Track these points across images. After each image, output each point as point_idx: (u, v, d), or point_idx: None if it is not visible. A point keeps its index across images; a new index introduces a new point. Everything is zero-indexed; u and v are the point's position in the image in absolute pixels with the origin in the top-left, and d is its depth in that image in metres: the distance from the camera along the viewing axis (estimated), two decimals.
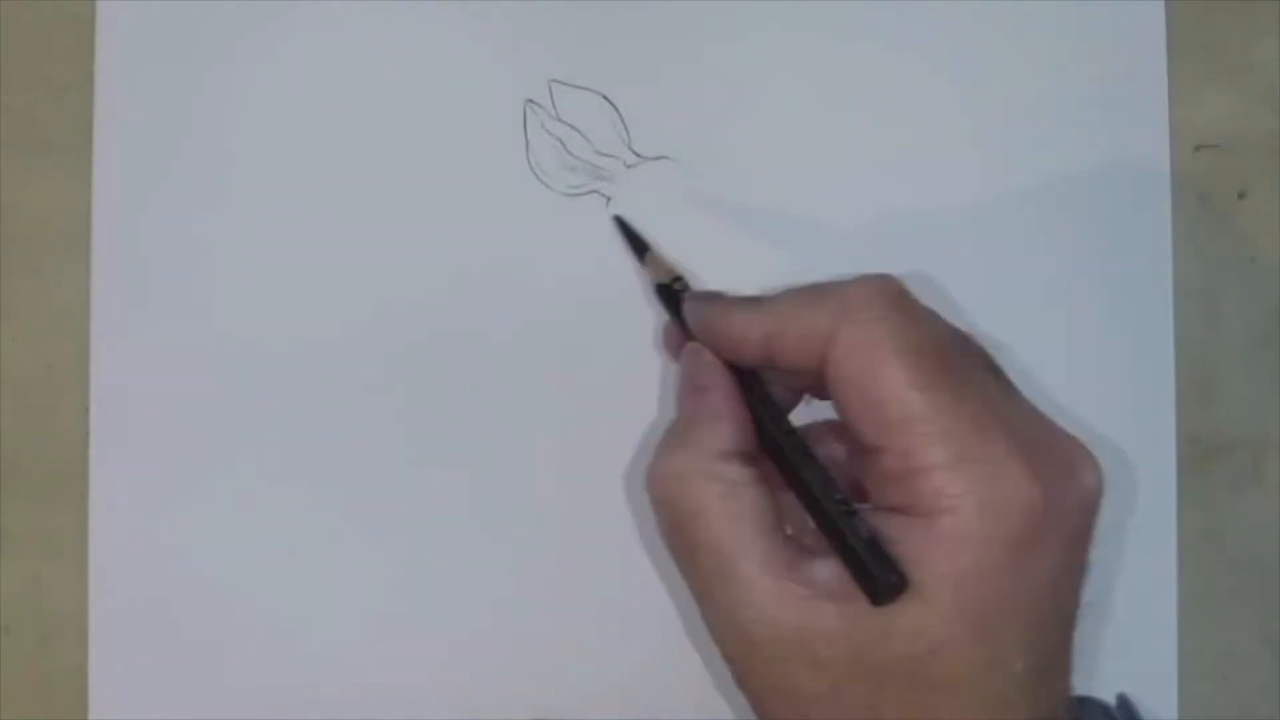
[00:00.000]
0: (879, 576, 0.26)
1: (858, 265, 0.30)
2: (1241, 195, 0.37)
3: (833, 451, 0.31)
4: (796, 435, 0.29)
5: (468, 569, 0.36)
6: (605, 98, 0.36)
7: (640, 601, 0.36)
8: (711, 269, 0.35)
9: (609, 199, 0.36)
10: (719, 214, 0.36)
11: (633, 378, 0.36)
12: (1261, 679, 0.37)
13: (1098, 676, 0.35)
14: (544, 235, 0.36)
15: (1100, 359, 0.36)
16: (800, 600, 0.27)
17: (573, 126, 0.36)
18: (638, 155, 0.36)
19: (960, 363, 0.28)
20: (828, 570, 0.27)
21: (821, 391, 0.29)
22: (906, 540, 0.27)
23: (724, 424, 0.29)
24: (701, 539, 0.28)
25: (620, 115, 0.36)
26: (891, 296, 0.28)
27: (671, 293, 0.33)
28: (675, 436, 0.30)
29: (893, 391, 0.27)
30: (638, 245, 0.35)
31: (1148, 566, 0.36)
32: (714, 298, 0.32)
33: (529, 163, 0.36)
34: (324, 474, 0.35)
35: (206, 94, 0.36)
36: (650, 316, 0.36)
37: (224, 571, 0.35)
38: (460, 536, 0.36)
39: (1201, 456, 0.37)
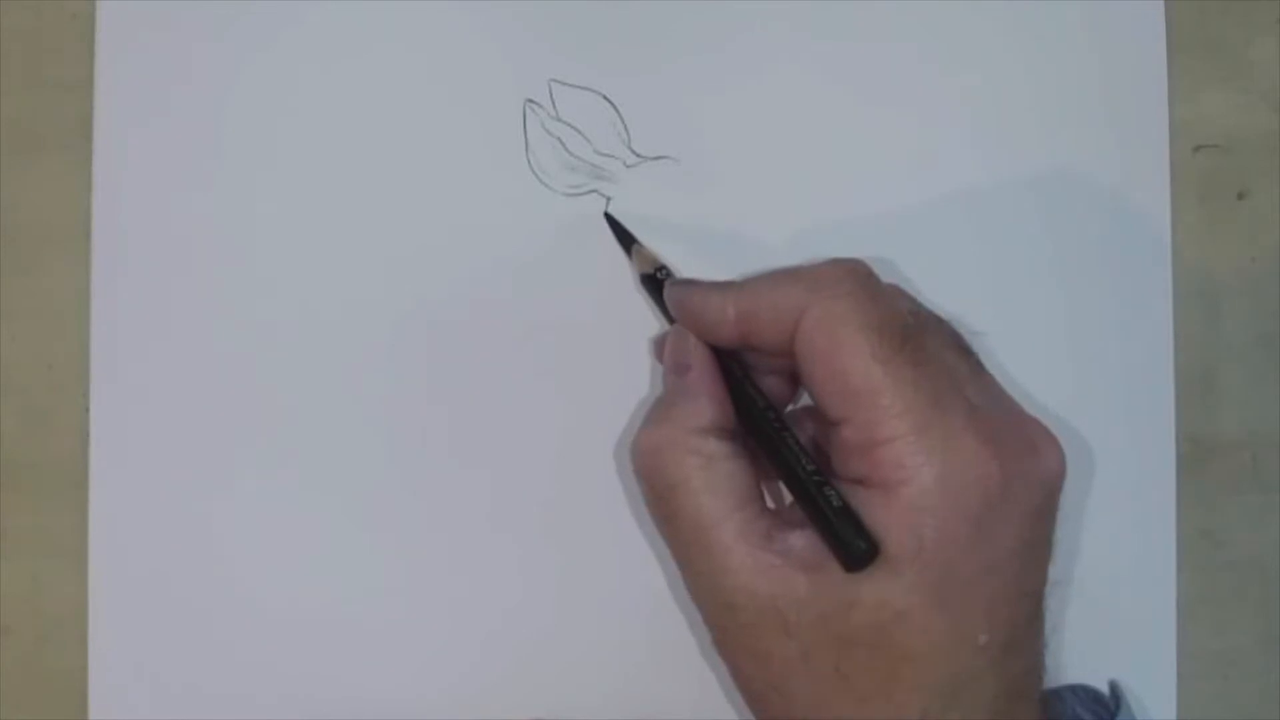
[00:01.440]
0: (851, 543, 0.28)
1: None
2: (1241, 195, 0.37)
3: (808, 433, 0.32)
4: (773, 410, 0.31)
5: (468, 570, 0.36)
6: (605, 98, 0.36)
7: (641, 602, 0.36)
8: (712, 269, 0.35)
9: (609, 199, 0.36)
10: (719, 214, 0.36)
11: (633, 376, 0.36)
12: (1261, 679, 0.37)
13: (1098, 676, 0.35)
14: (544, 235, 0.36)
15: (1100, 359, 0.36)
16: (773, 569, 0.28)
17: (573, 126, 0.36)
18: (638, 155, 0.36)
19: (924, 341, 0.29)
20: (801, 541, 0.29)
21: (793, 369, 0.30)
22: (869, 511, 0.28)
23: (702, 400, 0.31)
24: (681, 509, 0.30)
25: (620, 115, 0.36)
26: (859, 277, 0.30)
27: (656, 282, 0.34)
28: (657, 412, 0.31)
29: (855, 364, 0.28)
30: (625, 240, 0.35)
31: (1148, 566, 0.36)
32: (691, 282, 0.33)
33: (529, 163, 0.36)
34: (324, 473, 0.35)
35: (206, 94, 0.36)
36: (650, 316, 0.36)
37: (224, 571, 0.35)
38: (460, 537, 0.36)
39: (1201, 456, 0.37)
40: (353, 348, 0.36)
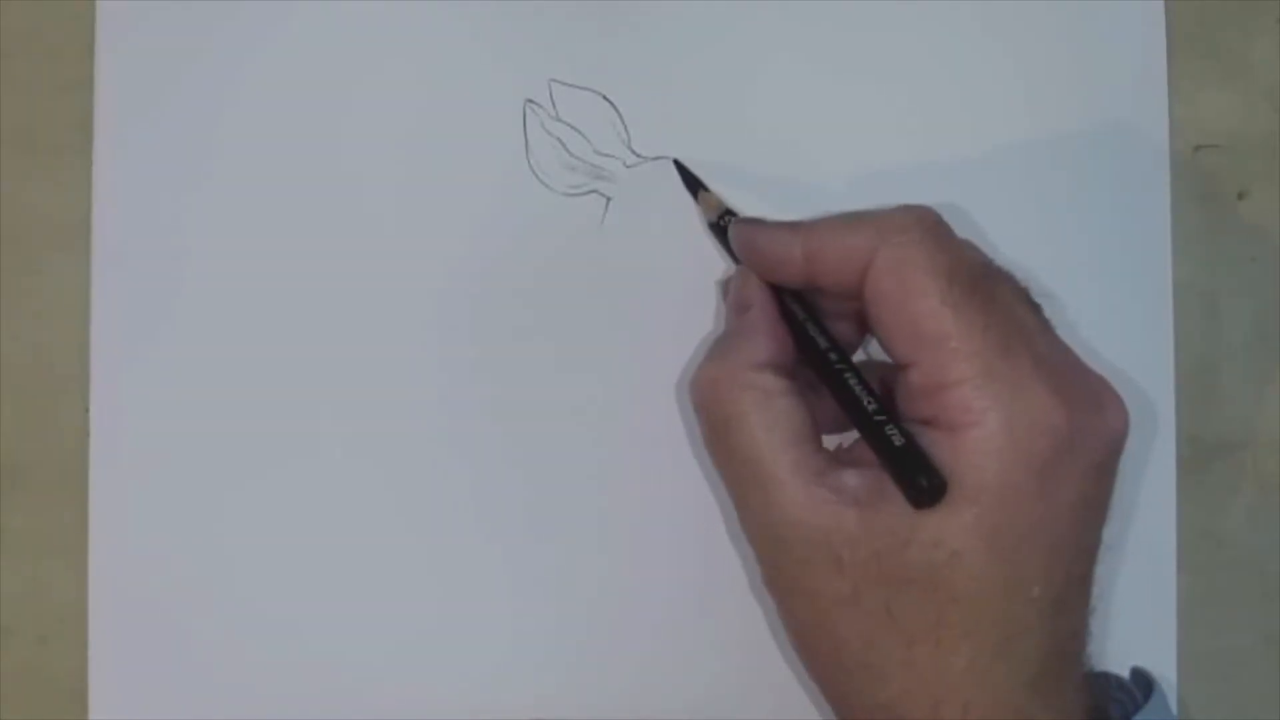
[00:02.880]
0: (918, 478, 0.28)
1: None
2: (1241, 195, 0.37)
3: (873, 378, 0.32)
4: (838, 350, 0.31)
5: (468, 570, 0.36)
6: (605, 98, 0.36)
7: (642, 602, 0.36)
8: (712, 268, 0.35)
9: (609, 199, 0.36)
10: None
11: (633, 376, 0.36)
12: (1261, 679, 0.37)
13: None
14: (544, 235, 0.36)
15: (1100, 359, 0.36)
16: (827, 505, 0.28)
17: (573, 126, 0.36)
18: (638, 155, 0.36)
19: (993, 289, 0.29)
20: (856, 479, 0.29)
21: (861, 313, 0.31)
22: (934, 452, 0.28)
23: (761, 337, 0.31)
24: (736, 444, 0.30)
25: (620, 115, 0.36)
26: (929, 223, 0.30)
27: (721, 229, 0.34)
28: (716, 348, 0.32)
29: (925, 307, 0.28)
30: (692, 185, 0.35)
31: (1148, 566, 0.36)
32: (758, 221, 0.33)
33: (529, 163, 0.36)
34: (323, 473, 0.35)
35: (206, 94, 0.36)
36: (651, 316, 0.36)
37: (224, 571, 0.35)
38: (460, 537, 0.36)
39: (1201, 456, 0.37)
40: (352, 348, 0.36)
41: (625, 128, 0.36)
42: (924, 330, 0.28)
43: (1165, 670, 0.36)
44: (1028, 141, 0.37)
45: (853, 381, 0.30)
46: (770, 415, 0.30)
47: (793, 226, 0.31)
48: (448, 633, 0.35)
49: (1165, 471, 0.36)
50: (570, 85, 0.36)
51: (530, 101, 0.36)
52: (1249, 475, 0.37)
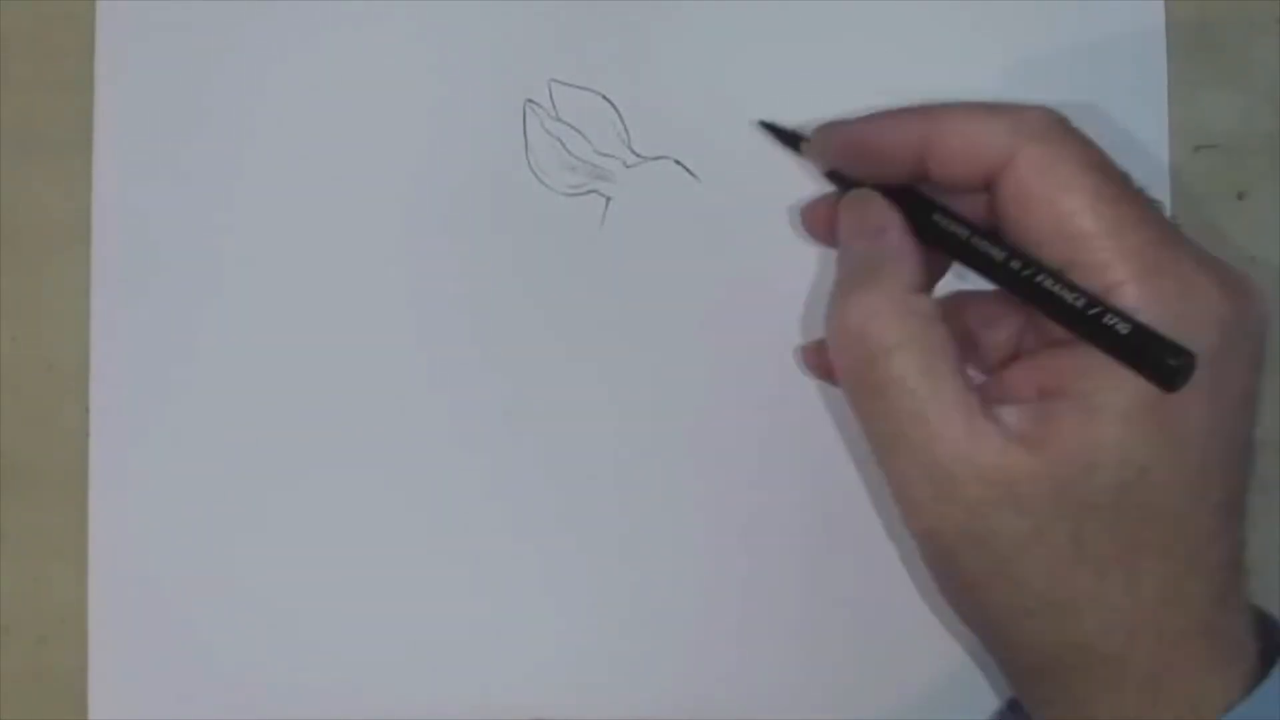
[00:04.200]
0: (1168, 359, 0.26)
1: None
2: (1241, 195, 0.37)
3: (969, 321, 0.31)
4: (1018, 253, 0.28)
5: (469, 570, 0.36)
6: (605, 98, 0.36)
7: (643, 602, 0.36)
8: (712, 269, 0.35)
9: (609, 199, 0.36)
10: (719, 214, 0.36)
11: (634, 375, 0.36)
12: None
13: None
14: (544, 235, 0.36)
15: None
16: (997, 439, 0.27)
17: (573, 126, 0.36)
18: (638, 155, 0.36)
19: (1136, 187, 0.28)
20: (1015, 415, 0.27)
21: (974, 206, 0.29)
22: (1102, 363, 0.27)
23: (909, 260, 0.29)
24: (897, 375, 0.27)
25: (620, 115, 0.36)
26: (1067, 124, 0.29)
27: (794, 137, 0.33)
28: (859, 277, 0.29)
29: (1080, 204, 0.27)
30: (792, 140, 0.34)
31: None
32: (858, 118, 0.31)
33: (529, 163, 0.36)
34: (323, 473, 0.35)
35: (206, 94, 0.36)
36: (654, 319, 0.36)
37: (224, 571, 0.35)
38: (460, 537, 0.36)
39: None
40: (352, 348, 0.36)
41: (625, 128, 0.36)
42: (1080, 228, 0.27)
43: None
44: None
45: (1051, 284, 0.27)
46: (932, 342, 0.28)
47: (905, 111, 0.30)
48: (448, 633, 0.35)
49: None
50: (570, 85, 0.36)
51: (530, 101, 0.36)
52: None
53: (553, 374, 0.36)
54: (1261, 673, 0.27)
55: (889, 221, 0.30)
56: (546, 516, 0.36)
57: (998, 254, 0.29)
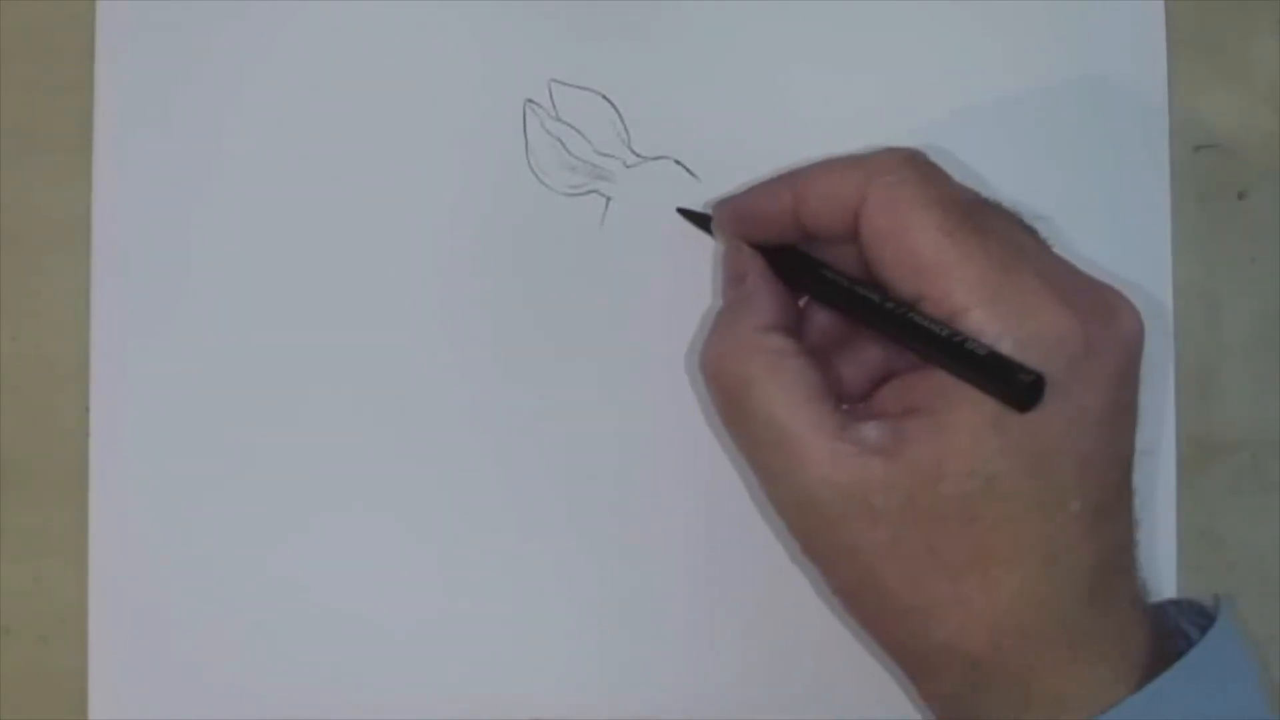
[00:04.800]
0: (1019, 377, 0.27)
1: None
2: (1241, 195, 0.37)
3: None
4: (874, 288, 0.30)
5: (469, 569, 0.36)
6: (605, 98, 0.36)
7: (643, 601, 0.36)
8: (713, 268, 0.35)
9: (609, 199, 0.36)
10: None
11: (634, 375, 0.36)
12: (1262, 679, 0.37)
13: None
14: (544, 235, 0.36)
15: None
16: (850, 457, 0.28)
17: (573, 126, 0.36)
18: (638, 155, 0.36)
19: (986, 215, 0.30)
20: (875, 430, 0.29)
21: (850, 258, 0.31)
22: (955, 383, 0.28)
23: (761, 301, 0.31)
24: (753, 409, 0.30)
25: (620, 115, 0.36)
26: (917, 161, 0.30)
27: (706, 219, 0.34)
28: (719, 320, 0.32)
29: (923, 239, 0.29)
30: (703, 222, 0.35)
31: (1148, 566, 0.36)
32: (738, 193, 0.33)
33: (529, 163, 0.36)
34: (323, 473, 0.35)
35: (206, 94, 0.36)
36: (652, 318, 0.36)
37: (224, 571, 0.35)
38: (460, 537, 0.36)
39: (1201, 456, 0.37)
40: (353, 348, 0.36)
41: (625, 128, 0.36)
42: (925, 262, 0.28)
43: None
44: (1028, 141, 0.37)
45: (908, 314, 0.29)
46: (784, 375, 0.30)
47: (776, 180, 0.32)
48: (448, 633, 0.35)
49: (1165, 471, 0.36)
50: (570, 85, 0.36)
51: (530, 101, 0.36)
52: (1249, 475, 0.37)
53: (552, 374, 0.36)
54: (1157, 672, 0.28)
55: (749, 268, 0.32)
56: (545, 516, 0.36)
57: (856, 288, 0.31)
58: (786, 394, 0.29)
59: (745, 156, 0.36)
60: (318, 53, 0.36)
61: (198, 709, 0.35)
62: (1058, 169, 0.37)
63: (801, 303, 0.33)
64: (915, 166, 0.30)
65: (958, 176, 0.32)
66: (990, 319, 0.28)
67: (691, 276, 0.36)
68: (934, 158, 0.30)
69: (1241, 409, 0.37)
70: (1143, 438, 0.30)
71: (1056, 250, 0.31)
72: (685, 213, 0.35)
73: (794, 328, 0.31)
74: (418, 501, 0.36)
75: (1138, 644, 0.29)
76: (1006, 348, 0.27)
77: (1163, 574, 0.36)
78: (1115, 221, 0.37)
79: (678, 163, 0.36)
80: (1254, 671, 0.30)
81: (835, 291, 0.31)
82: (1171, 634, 0.31)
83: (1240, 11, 0.37)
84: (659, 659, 0.35)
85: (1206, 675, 0.29)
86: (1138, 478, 0.30)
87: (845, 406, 0.31)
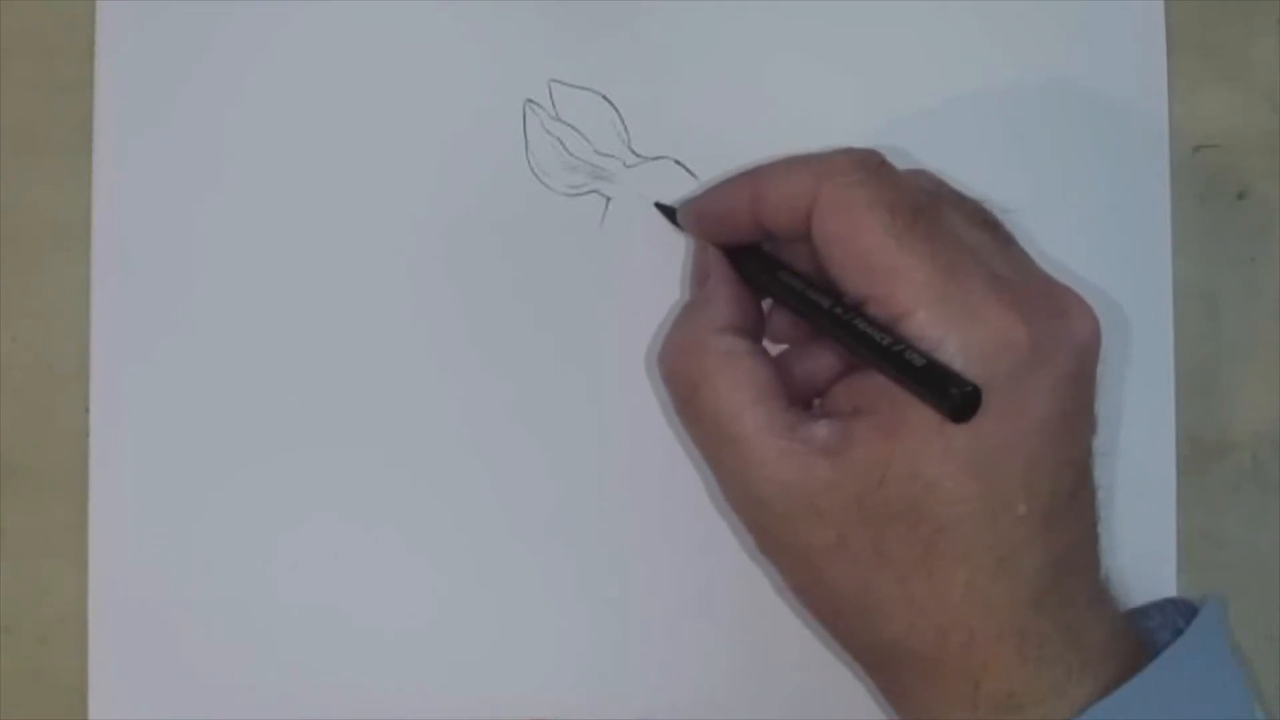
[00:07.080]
0: (952, 389, 0.27)
1: None
2: (1241, 195, 0.37)
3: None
4: (827, 292, 0.30)
5: (469, 570, 0.36)
6: (605, 98, 0.36)
7: (642, 601, 0.36)
8: None
9: (609, 199, 0.36)
10: None
11: (633, 375, 0.36)
12: (1261, 678, 0.37)
13: None
14: (544, 235, 0.36)
15: (1100, 359, 0.36)
16: (796, 456, 0.29)
17: (573, 126, 0.36)
18: (638, 155, 0.36)
19: (939, 215, 0.30)
20: (825, 429, 0.29)
21: (811, 257, 0.31)
22: (896, 386, 0.28)
23: (721, 301, 0.32)
24: (705, 407, 0.30)
25: (620, 115, 0.36)
26: (870, 163, 0.30)
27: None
28: (679, 318, 0.32)
29: (870, 242, 0.29)
30: (673, 216, 0.35)
31: (1148, 566, 0.36)
32: (700, 193, 0.34)
33: (529, 163, 0.36)
34: (323, 473, 0.35)
35: (206, 94, 0.36)
36: (650, 316, 0.36)
37: (224, 571, 0.35)
38: (460, 537, 0.36)
39: (1201, 456, 0.37)
40: (353, 348, 0.36)
41: (625, 128, 0.36)
42: (872, 264, 0.29)
43: None
44: (1027, 141, 0.37)
45: (853, 319, 0.29)
46: (736, 375, 0.30)
47: (737, 178, 0.32)
48: (448, 633, 0.35)
49: (1165, 471, 0.36)
50: (570, 85, 0.36)
51: (530, 101, 0.36)
52: (1249, 475, 0.37)
53: (552, 374, 0.36)
54: (1130, 674, 0.28)
55: (711, 267, 0.33)
56: (546, 516, 0.36)
57: (809, 292, 0.31)
58: (737, 393, 0.30)
59: (745, 156, 0.36)
60: (317, 53, 0.36)
61: (197, 709, 0.35)
62: (1057, 169, 0.37)
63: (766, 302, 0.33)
64: (868, 168, 0.30)
65: (954, 176, 0.32)
66: (934, 322, 0.28)
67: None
68: (926, 158, 0.31)
69: (1241, 409, 0.37)
70: (1102, 439, 0.30)
71: (1017, 249, 0.31)
72: (662, 208, 0.35)
73: (752, 328, 0.32)
74: (418, 501, 0.36)
75: (1095, 645, 0.29)
76: (950, 351, 0.28)
77: (1163, 574, 0.36)
78: (1115, 221, 0.37)
79: (678, 163, 0.36)
80: (1235, 671, 0.30)
81: (788, 293, 0.31)
82: (1152, 635, 0.31)
83: (1240, 11, 0.37)
84: (648, 659, 0.35)
85: (1180, 676, 0.29)
86: (1107, 475, 0.30)
87: (817, 402, 0.32)
